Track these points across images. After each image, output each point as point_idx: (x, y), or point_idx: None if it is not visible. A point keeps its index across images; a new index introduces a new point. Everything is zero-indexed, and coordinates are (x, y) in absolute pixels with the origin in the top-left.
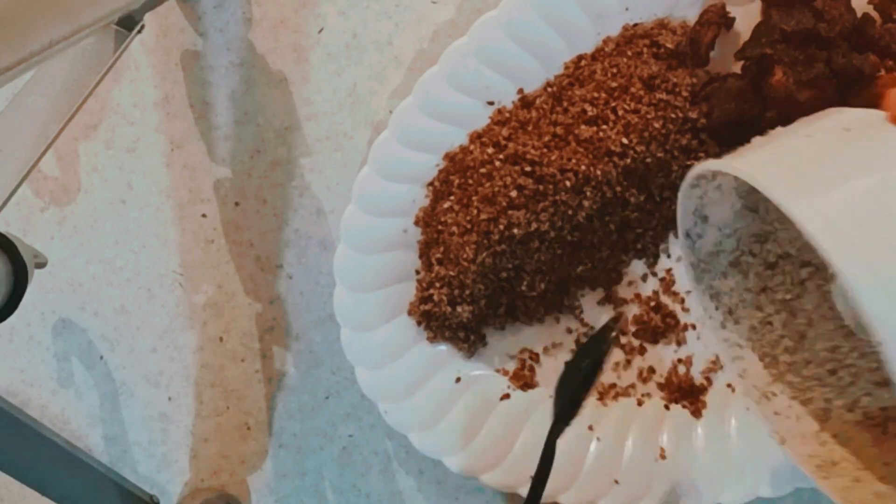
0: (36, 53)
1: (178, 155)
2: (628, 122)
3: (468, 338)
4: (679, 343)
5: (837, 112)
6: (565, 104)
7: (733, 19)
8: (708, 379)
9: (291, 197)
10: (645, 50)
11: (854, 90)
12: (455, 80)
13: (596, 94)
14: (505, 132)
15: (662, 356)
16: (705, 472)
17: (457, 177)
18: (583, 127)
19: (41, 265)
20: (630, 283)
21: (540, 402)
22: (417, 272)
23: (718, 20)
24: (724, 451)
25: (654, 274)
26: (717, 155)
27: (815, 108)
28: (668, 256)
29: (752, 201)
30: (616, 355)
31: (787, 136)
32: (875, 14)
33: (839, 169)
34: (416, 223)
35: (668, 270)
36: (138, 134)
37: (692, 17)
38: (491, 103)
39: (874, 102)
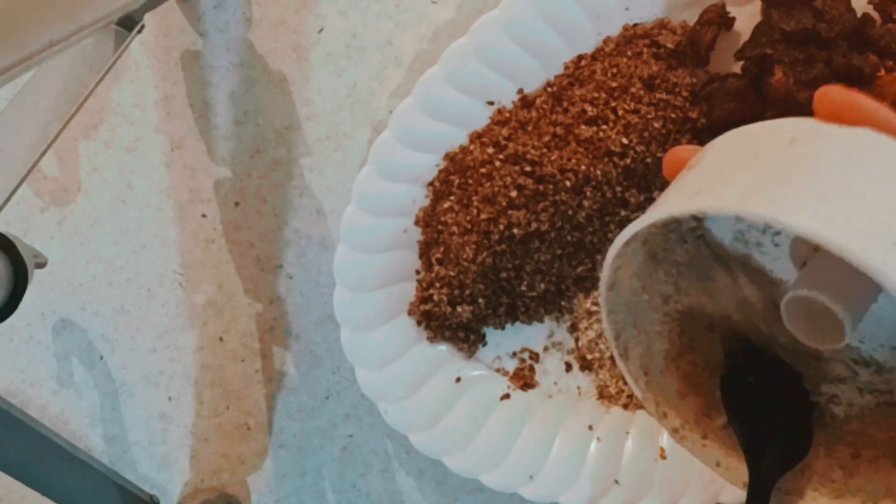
0: (36, 53)
1: (178, 155)
2: (628, 122)
3: (468, 338)
4: None
5: (762, 127)
6: (565, 104)
7: (733, 19)
8: None
9: (291, 197)
10: (645, 50)
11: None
12: (455, 80)
13: (596, 94)
14: (505, 132)
15: None
16: (705, 471)
17: (457, 177)
18: (583, 127)
19: (41, 265)
20: None
21: (540, 403)
22: (417, 272)
23: (718, 20)
24: None
25: None
26: None
27: None
28: None
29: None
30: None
31: (729, 166)
32: (875, 14)
33: (827, 180)
34: (416, 223)
35: None
36: (138, 134)
37: (692, 17)
38: (491, 103)
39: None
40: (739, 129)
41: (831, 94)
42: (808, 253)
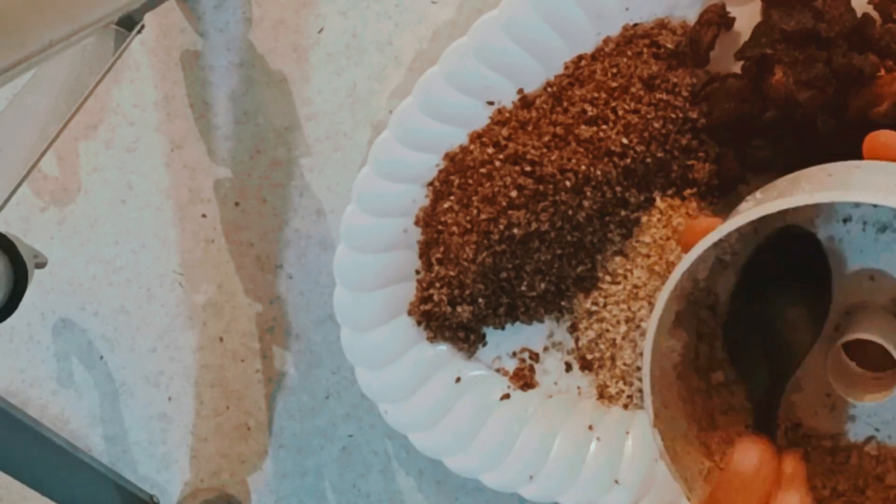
0: (36, 53)
1: (178, 155)
2: (628, 122)
3: (468, 338)
4: None
5: (827, 165)
6: (565, 104)
7: (733, 19)
8: None
9: (291, 197)
10: (645, 50)
11: (854, 90)
12: (455, 80)
13: (596, 94)
14: (505, 132)
15: None
16: None
17: (457, 177)
18: (583, 127)
19: (41, 265)
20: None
21: (540, 403)
22: (417, 272)
23: (718, 20)
24: None
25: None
26: (717, 155)
27: (815, 108)
28: None
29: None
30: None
31: (803, 181)
32: (875, 14)
33: None
34: (416, 223)
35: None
36: (138, 134)
37: (692, 17)
38: (491, 103)
39: (874, 102)
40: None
41: (881, 137)
42: (845, 310)
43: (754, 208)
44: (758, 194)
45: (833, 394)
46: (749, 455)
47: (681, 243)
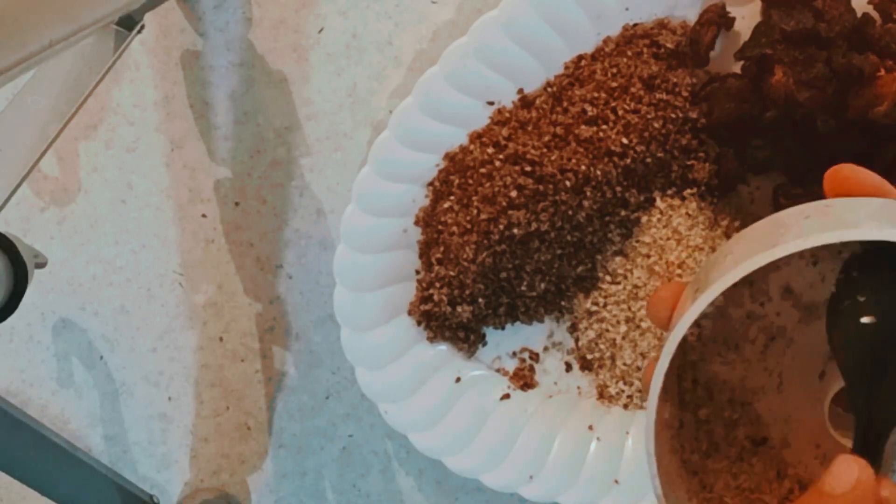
0: (36, 53)
1: (178, 155)
2: (628, 122)
3: (468, 338)
4: None
5: (801, 207)
6: (565, 104)
7: (733, 19)
8: None
9: (291, 197)
10: (645, 50)
11: (854, 90)
12: (455, 80)
13: (596, 94)
14: (505, 132)
15: None
16: None
17: (457, 177)
18: (583, 127)
19: (41, 265)
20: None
21: (540, 402)
22: (417, 272)
23: (718, 20)
24: None
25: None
26: (717, 155)
27: (815, 108)
28: None
29: None
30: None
31: (780, 228)
32: (875, 14)
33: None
34: (416, 223)
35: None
36: (138, 134)
37: (692, 17)
38: (491, 103)
39: (874, 102)
40: (763, 219)
41: (842, 171)
42: (829, 355)
43: (732, 271)
44: (746, 233)
45: (823, 445)
46: (847, 474)
47: (648, 312)
